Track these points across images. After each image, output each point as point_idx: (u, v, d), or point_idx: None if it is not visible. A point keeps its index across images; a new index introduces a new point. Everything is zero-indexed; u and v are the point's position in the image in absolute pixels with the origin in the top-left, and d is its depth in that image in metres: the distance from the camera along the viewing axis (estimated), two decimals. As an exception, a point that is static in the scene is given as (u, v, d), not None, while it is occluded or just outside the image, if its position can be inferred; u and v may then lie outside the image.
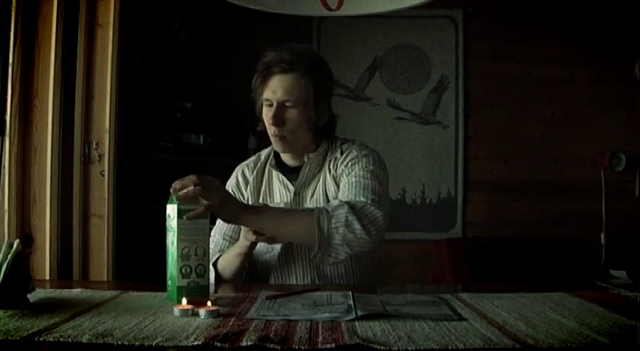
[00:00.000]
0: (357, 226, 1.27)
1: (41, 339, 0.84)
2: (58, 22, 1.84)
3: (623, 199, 3.52)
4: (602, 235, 3.51)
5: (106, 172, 1.90)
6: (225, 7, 1.97)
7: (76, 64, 1.89)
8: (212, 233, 1.57)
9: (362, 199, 1.36)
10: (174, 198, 1.16)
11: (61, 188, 1.87)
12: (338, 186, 1.49)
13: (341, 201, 1.34)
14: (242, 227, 1.38)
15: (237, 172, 1.64)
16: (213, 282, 1.42)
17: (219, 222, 1.56)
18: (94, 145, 1.91)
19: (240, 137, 3.40)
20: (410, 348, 0.81)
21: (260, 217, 1.30)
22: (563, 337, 0.87)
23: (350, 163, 1.49)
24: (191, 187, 1.15)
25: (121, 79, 1.96)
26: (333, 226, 1.27)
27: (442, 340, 0.85)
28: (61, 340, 0.84)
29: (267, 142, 1.60)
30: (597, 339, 0.86)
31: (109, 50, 1.92)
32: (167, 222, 1.16)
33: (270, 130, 1.50)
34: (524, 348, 0.82)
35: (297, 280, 1.49)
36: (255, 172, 1.60)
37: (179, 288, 1.12)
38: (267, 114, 1.49)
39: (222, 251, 1.52)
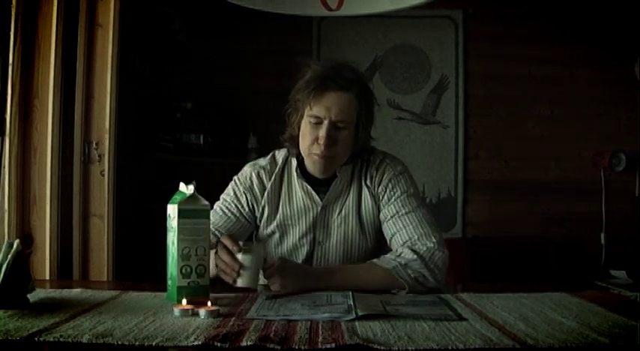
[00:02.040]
0: (430, 279, 1.31)
1: (41, 339, 0.85)
2: (58, 22, 1.84)
3: (623, 199, 3.51)
4: (602, 235, 3.51)
5: (106, 172, 1.90)
6: (226, 7, 1.97)
7: (76, 64, 1.89)
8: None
9: (428, 243, 1.35)
10: (176, 198, 1.16)
11: (61, 188, 1.87)
12: (377, 206, 1.47)
13: (413, 252, 1.32)
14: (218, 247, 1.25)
15: (252, 172, 1.52)
16: None
17: (217, 211, 1.50)
18: (94, 145, 1.91)
19: (241, 137, 3.40)
20: (410, 348, 0.81)
21: (342, 277, 1.30)
22: (563, 337, 0.87)
23: (390, 186, 1.46)
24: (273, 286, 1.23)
25: (121, 79, 1.96)
26: (407, 277, 1.29)
27: (442, 340, 0.85)
28: (61, 340, 0.84)
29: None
30: (597, 339, 0.86)
31: (109, 50, 1.91)
32: (167, 222, 1.17)
33: (315, 149, 1.39)
34: (525, 348, 0.82)
35: None
36: (273, 177, 1.50)
37: (179, 288, 1.12)
38: (312, 131, 1.39)
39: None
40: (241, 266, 1.19)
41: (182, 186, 1.21)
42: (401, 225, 1.41)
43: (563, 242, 3.41)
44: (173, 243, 1.13)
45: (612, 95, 3.55)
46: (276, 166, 1.52)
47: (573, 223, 3.52)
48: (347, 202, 1.48)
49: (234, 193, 1.52)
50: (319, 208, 1.47)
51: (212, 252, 1.31)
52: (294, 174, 1.49)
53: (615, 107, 3.56)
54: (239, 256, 1.19)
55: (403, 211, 1.42)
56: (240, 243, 1.22)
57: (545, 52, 3.56)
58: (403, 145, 3.55)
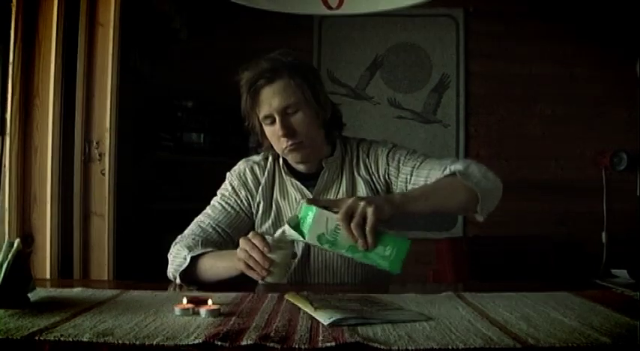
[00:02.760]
0: (489, 174, 1.34)
1: (42, 338, 0.84)
2: (59, 21, 1.84)
3: (624, 198, 3.51)
4: (604, 235, 3.51)
5: (106, 171, 1.90)
6: (226, 5, 1.96)
7: (76, 62, 1.89)
8: (205, 213, 1.50)
9: (458, 160, 1.39)
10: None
11: (62, 187, 1.87)
12: (376, 188, 1.47)
13: (456, 160, 1.37)
14: (240, 242, 1.24)
15: (246, 167, 1.55)
16: (180, 270, 1.34)
17: (215, 206, 1.50)
18: (95, 144, 1.91)
19: (241, 136, 3.39)
20: (410, 347, 0.81)
21: (420, 200, 1.25)
22: (565, 336, 0.87)
23: (391, 158, 1.48)
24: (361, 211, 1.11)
25: (121, 78, 1.96)
26: (477, 179, 1.30)
27: (443, 339, 0.85)
28: (61, 339, 0.84)
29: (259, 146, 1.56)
30: (599, 339, 0.86)
31: (110, 49, 1.91)
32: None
33: (283, 144, 1.41)
34: (525, 348, 0.82)
35: (311, 278, 1.46)
36: (266, 173, 1.52)
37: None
38: (273, 131, 1.41)
39: (206, 240, 1.43)
40: (271, 263, 1.18)
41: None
42: (427, 169, 1.42)
43: (564, 241, 3.40)
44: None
45: (613, 94, 3.55)
46: (267, 163, 1.54)
47: (574, 223, 3.52)
48: (339, 193, 1.48)
49: (232, 187, 1.53)
50: None
51: (221, 261, 1.32)
52: (285, 175, 1.51)
53: (616, 106, 3.55)
54: (270, 254, 1.19)
55: (419, 161, 1.44)
56: (269, 238, 1.21)
57: (547, 51, 3.56)
58: (404, 144, 3.53)
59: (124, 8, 1.95)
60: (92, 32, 1.92)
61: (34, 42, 1.83)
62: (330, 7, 1.94)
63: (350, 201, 1.13)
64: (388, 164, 1.48)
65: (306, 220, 1.14)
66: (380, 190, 1.48)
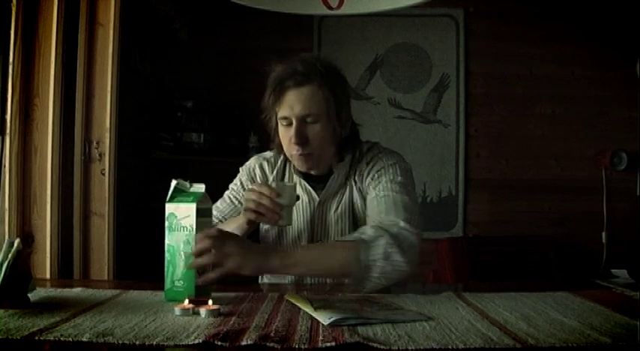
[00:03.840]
0: (397, 257, 1.18)
1: (42, 338, 0.84)
2: (59, 21, 1.84)
3: (624, 198, 3.51)
4: (604, 234, 3.51)
5: (106, 171, 1.90)
6: (226, 5, 1.96)
7: (76, 62, 1.89)
8: (215, 205, 1.52)
9: (394, 218, 1.28)
10: (185, 197, 1.17)
11: (62, 187, 1.87)
12: (364, 199, 1.43)
13: (378, 228, 1.23)
14: (246, 195, 1.33)
15: (256, 163, 1.55)
16: None
17: (225, 199, 1.55)
18: (95, 144, 1.91)
19: (241, 136, 3.40)
20: (410, 347, 0.81)
21: (295, 262, 1.17)
22: (565, 336, 0.87)
23: (377, 175, 1.42)
24: (206, 257, 1.10)
25: (121, 78, 1.95)
26: (371, 258, 1.17)
27: (443, 339, 0.85)
28: (61, 339, 0.84)
29: (267, 141, 1.55)
30: (599, 339, 0.86)
31: (110, 49, 1.91)
32: (174, 221, 1.16)
33: (292, 150, 1.39)
34: (525, 348, 0.82)
35: (311, 278, 1.45)
36: (275, 171, 1.52)
37: (197, 288, 1.13)
38: (285, 133, 1.39)
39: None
40: (281, 207, 1.29)
41: (180, 183, 1.20)
42: (373, 206, 1.36)
43: (564, 241, 3.41)
44: (188, 242, 1.14)
45: (613, 94, 3.55)
46: (278, 160, 1.53)
47: (574, 222, 3.52)
48: (343, 199, 1.47)
49: (240, 182, 1.57)
50: (316, 204, 1.47)
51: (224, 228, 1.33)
52: (294, 175, 1.50)
53: (616, 106, 3.56)
54: (278, 199, 1.28)
55: (381, 195, 1.37)
56: (273, 184, 1.34)
57: (546, 51, 3.56)
58: (404, 144, 3.55)
59: (124, 8, 1.95)
60: (92, 32, 1.91)
61: (34, 42, 1.83)
62: (330, 7, 1.93)
63: (228, 246, 1.12)
64: (370, 182, 1.43)
65: None
66: (364, 196, 1.45)
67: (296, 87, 1.36)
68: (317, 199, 1.47)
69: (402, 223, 1.26)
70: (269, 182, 1.45)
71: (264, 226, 1.52)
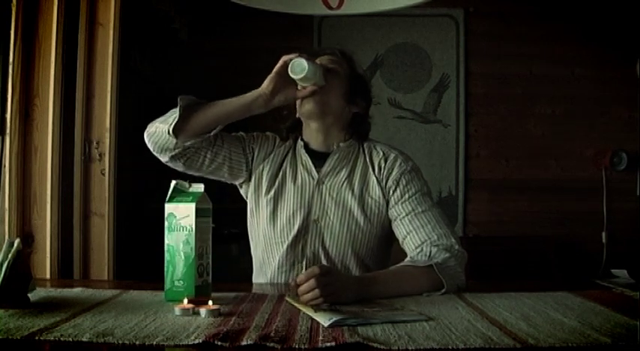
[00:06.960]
0: (462, 277, 1.34)
1: (42, 338, 0.84)
2: (59, 21, 1.84)
3: (624, 198, 3.51)
4: (604, 234, 3.51)
5: (106, 171, 1.90)
6: (226, 5, 1.96)
7: (76, 62, 1.89)
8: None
9: (447, 241, 1.38)
10: (184, 197, 1.18)
11: (62, 187, 1.87)
12: (382, 192, 1.46)
13: (441, 250, 1.34)
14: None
15: (269, 134, 1.60)
16: (174, 122, 1.53)
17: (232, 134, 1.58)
18: (95, 143, 1.91)
19: (241, 136, 3.40)
20: (410, 347, 0.81)
21: (385, 287, 1.23)
22: (565, 336, 0.87)
23: (404, 181, 1.46)
24: (315, 292, 1.08)
25: (121, 78, 1.96)
26: (449, 280, 1.27)
27: (443, 339, 0.85)
28: (61, 339, 0.84)
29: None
30: (599, 339, 0.86)
31: (110, 49, 1.91)
32: (173, 221, 1.16)
33: (303, 93, 1.43)
34: (525, 348, 0.82)
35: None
36: (282, 147, 1.56)
37: (197, 287, 1.13)
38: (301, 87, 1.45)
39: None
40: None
41: (179, 183, 1.21)
42: (418, 224, 1.41)
43: (564, 241, 3.41)
44: (188, 242, 1.14)
45: (613, 94, 3.55)
46: (288, 140, 1.58)
47: (574, 222, 3.52)
48: (344, 183, 1.48)
49: (252, 135, 1.60)
50: (315, 182, 1.48)
51: (230, 103, 1.53)
52: (299, 150, 1.53)
53: (616, 106, 3.55)
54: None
55: (419, 210, 1.43)
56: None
57: (547, 51, 3.56)
58: (404, 144, 3.54)
59: (124, 8, 1.95)
60: (92, 32, 1.92)
61: (34, 42, 1.83)
62: (330, 7, 1.94)
63: (330, 278, 1.12)
64: (396, 185, 1.46)
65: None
66: (385, 194, 1.47)
67: (328, 55, 1.53)
68: (316, 176, 1.49)
69: (456, 246, 1.38)
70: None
71: (265, 194, 1.51)
